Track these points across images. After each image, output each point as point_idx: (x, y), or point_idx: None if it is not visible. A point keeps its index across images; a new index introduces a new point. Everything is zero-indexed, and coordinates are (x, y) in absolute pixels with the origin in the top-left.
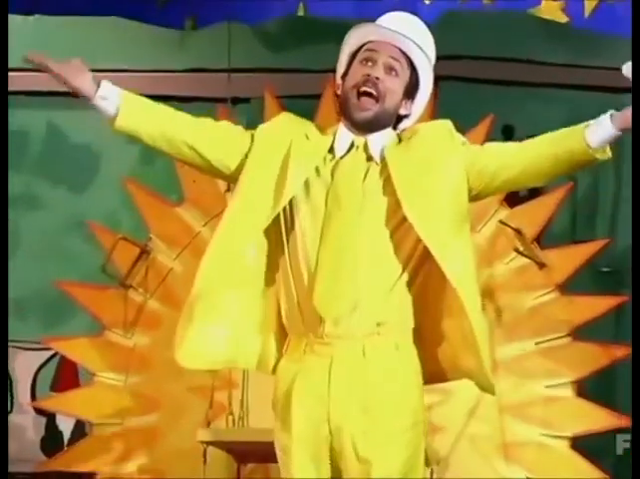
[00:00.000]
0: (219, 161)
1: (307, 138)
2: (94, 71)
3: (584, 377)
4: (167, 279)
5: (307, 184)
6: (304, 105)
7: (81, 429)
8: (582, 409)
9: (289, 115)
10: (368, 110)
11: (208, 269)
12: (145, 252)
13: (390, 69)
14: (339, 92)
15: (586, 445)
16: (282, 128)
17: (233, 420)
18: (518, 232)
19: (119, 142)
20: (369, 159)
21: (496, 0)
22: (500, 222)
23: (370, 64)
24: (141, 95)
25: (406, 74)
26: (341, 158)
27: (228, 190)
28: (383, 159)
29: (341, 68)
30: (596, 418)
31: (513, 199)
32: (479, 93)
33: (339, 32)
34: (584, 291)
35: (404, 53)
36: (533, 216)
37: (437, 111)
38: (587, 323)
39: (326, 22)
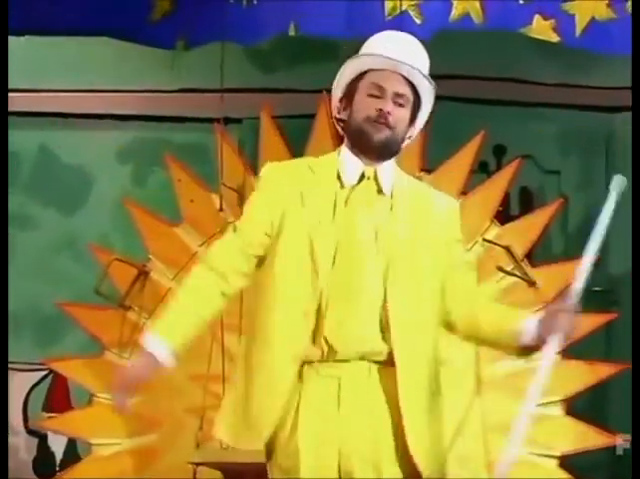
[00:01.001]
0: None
1: (312, 171)
2: (85, 91)
3: (574, 395)
4: (166, 300)
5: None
6: (298, 125)
7: (73, 450)
8: (571, 428)
9: (273, 170)
10: (382, 132)
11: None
12: (143, 273)
13: (398, 101)
14: (340, 116)
15: None
16: (279, 186)
17: None
18: (507, 249)
19: (111, 162)
20: (379, 191)
21: (488, 19)
22: (485, 240)
23: (378, 95)
24: (131, 115)
25: (411, 101)
26: (352, 187)
27: (221, 209)
28: (390, 193)
29: (339, 90)
30: (586, 437)
31: (504, 216)
32: (470, 112)
33: (331, 51)
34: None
35: (406, 79)
36: (524, 233)
37: (429, 131)
38: (577, 341)
39: (318, 41)
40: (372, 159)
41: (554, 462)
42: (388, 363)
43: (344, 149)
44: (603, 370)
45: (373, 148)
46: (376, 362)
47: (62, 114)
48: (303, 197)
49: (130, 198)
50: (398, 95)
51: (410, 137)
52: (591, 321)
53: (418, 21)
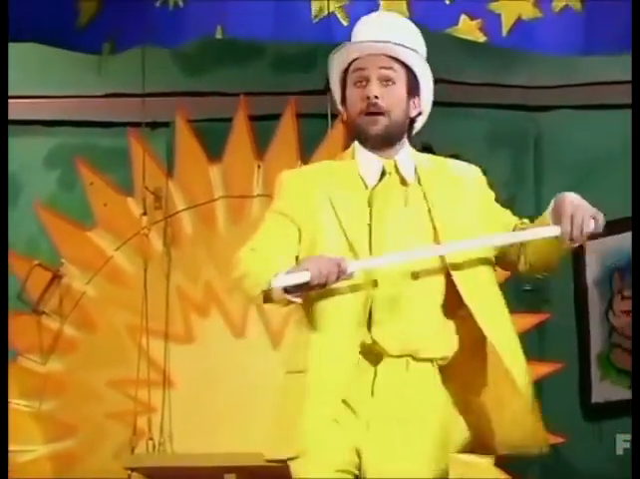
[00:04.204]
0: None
1: (333, 175)
2: (12, 97)
3: None
4: (81, 304)
5: (347, 221)
6: (217, 128)
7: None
8: None
9: (292, 177)
10: (377, 124)
11: None
12: (57, 277)
13: (385, 80)
14: (344, 118)
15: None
16: (304, 191)
17: (153, 445)
18: None
19: (38, 168)
20: (402, 182)
21: (414, 20)
22: None
23: (364, 83)
24: (59, 121)
25: (402, 76)
26: (375, 186)
27: (145, 213)
28: (417, 180)
29: (337, 95)
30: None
31: None
32: None
33: (257, 52)
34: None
35: (393, 57)
36: None
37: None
38: None
39: (244, 43)
40: (383, 149)
41: (490, 460)
42: (432, 360)
43: (358, 148)
44: (538, 369)
45: (375, 141)
46: (416, 359)
47: None
48: (332, 202)
49: (42, 203)
50: (382, 73)
51: (420, 112)
52: (524, 321)
53: (344, 22)
